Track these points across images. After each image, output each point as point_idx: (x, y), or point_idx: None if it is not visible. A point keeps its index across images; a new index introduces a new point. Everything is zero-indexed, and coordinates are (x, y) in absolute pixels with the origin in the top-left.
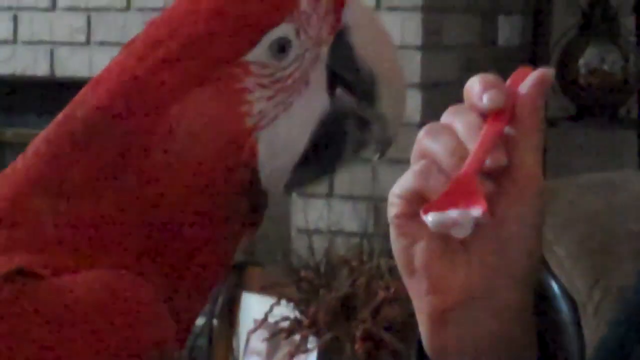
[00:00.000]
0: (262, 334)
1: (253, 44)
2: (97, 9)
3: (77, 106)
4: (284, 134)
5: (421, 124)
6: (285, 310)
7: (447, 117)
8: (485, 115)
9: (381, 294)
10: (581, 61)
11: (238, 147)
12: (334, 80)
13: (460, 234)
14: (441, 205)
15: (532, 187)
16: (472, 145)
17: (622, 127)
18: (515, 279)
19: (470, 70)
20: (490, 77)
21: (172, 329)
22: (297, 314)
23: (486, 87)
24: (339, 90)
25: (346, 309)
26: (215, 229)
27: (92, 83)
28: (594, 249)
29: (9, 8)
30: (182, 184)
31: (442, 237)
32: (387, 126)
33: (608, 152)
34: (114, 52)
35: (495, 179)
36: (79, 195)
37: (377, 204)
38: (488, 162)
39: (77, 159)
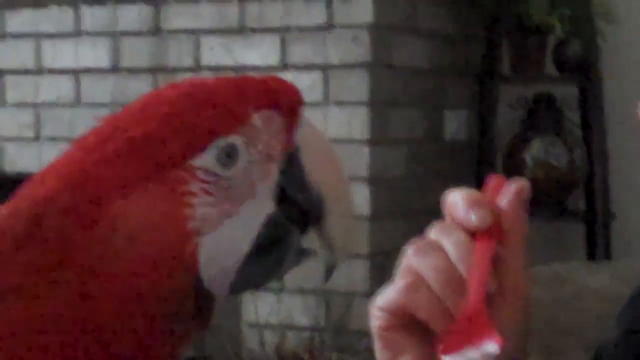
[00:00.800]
0: None
1: (201, 149)
2: (46, 105)
3: (22, 200)
4: (226, 240)
5: (371, 217)
6: None
7: (434, 235)
8: (479, 233)
9: None
10: (527, 155)
11: (179, 250)
12: (283, 197)
13: None
14: (457, 342)
15: (519, 303)
16: (462, 266)
17: (569, 219)
18: None
19: (417, 163)
20: (471, 193)
21: None
22: None
23: (471, 205)
24: (285, 209)
25: None
26: (157, 331)
27: (38, 175)
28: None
29: None
30: (122, 284)
31: (428, 351)
32: (334, 251)
33: (556, 244)
34: (63, 147)
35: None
36: (15, 298)
37: (328, 298)
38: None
39: (17, 259)
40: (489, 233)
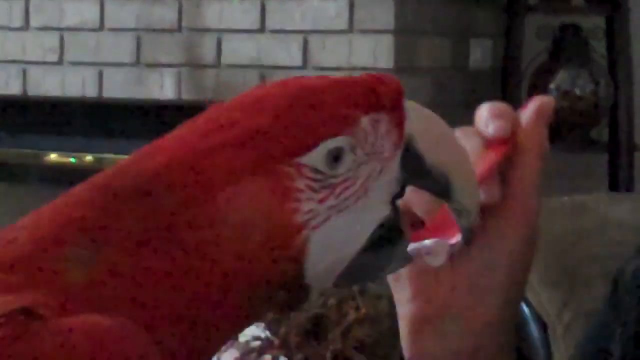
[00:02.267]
0: (233, 353)
1: (309, 148)
2: (70, 29)
3: (130, 164)
4: (337, 236)
5: None
6: (256, 330)
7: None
8: (489, 142)
9: (351, 315)
10: (552, 85)
11: (285, 240)
12: (410, 180)
13: (435, 262)
14: (425, 234)
15: (526, 219)
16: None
17: (593, 150)
18: (498, 300)
19: (442, 92)
20: (499, 105)
21: None
22: (267, 334)
23: (493, 116)
24: (398, 203)
25: (317, 329)
26: (247, 314)
27: (148, 148)
28: (563, 273)
29: None
30: (224, 264)
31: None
32: (469, 216)
33: (579, 175)
34: (86, 71)
35: (492, 207)
36: (119, 250)
37: None
38: (484, 191)
39: (124, 214)
40: (502, 144)
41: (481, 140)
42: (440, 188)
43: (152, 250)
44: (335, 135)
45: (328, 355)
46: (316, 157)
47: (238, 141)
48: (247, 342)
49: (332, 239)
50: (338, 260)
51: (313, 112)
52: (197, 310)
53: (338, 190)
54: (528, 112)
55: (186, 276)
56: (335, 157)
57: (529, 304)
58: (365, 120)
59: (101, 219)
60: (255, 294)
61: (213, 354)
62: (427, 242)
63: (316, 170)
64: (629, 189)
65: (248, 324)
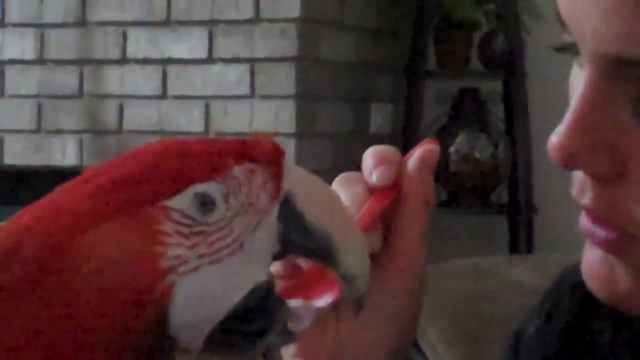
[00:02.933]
0: None
1: (176, 192)
2: None
3: (5, 229)
4: (207, 290)
5: None
6: None
7: (337, 185)
8: (373, 189)
9: None
10: (452, 148)
11: (148, 283)
12: (287, 246)
13: (298, 326)
14: (293, 291)
15: (411, 270)
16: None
17: (493, 212)
18: (385, 355)
19: (343, 156)
20: (385, 149)
21: None
22: None
23: (377, 162)
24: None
25: None
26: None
27: (23, 210)
28: (463, 334)
29: None
30: (89, 311)
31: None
32: (355, 282)
33: (479, 237)
34: None
35: (373, 256)
36: None
37: None
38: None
39: None
40: (387, 190)
41: (365, 187)
42: (324, 252)
43: (18, 311)
44: (204, 180)
45: None
46: (183, 200)
47: (102, 189)
48: None
49: (202, 289)
50: (207, 315)
51: (182, 159)
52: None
53: (210, 239)
54: (413, 158)
55: (52, 329)
56: (205, 202)
57: None
58: (237, 169)
59: None
60: (119, 339)
61: None
62: (291, 303)
63: (185, 215)
64: (529, 250)
65: None
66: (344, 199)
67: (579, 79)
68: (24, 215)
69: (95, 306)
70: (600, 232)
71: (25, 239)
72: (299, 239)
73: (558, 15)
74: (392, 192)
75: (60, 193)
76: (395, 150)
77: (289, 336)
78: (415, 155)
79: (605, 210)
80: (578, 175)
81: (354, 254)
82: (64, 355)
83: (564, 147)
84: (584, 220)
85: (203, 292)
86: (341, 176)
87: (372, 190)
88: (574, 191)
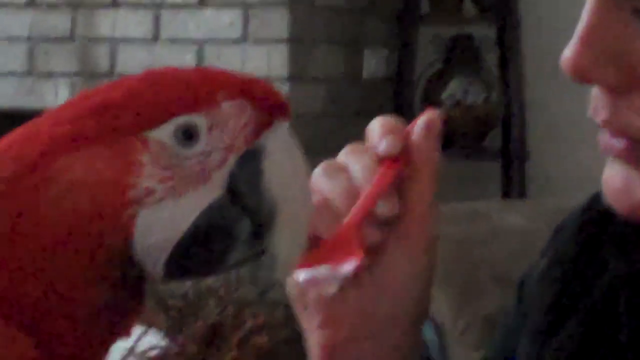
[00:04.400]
0: None
1: (160, 121)
2: None
3: None
4: (166, 216)
5: None
6: (154, 339)
7: (344, 156)
8: (382, 159)
9: (249, 322)
10: (445, 94)
11: (113, 212)
12: (233, 193)
13: (327, 291)
14: (316, 259)
15: (422, 236)
16: (365, 189)
17: (485, 158)
18: (405, 318)
19: (336, 101)
20: (390, 121)
21: None
22: (166, 342)
23: (385, 132)
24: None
25: (215, 338)
26: (82, 290)
27: (3, 137)
28: (457, 278)
29: None
30: (53, 231)
31: None
32: (275, 265)
33: (472, 182)
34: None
35: (389, 223)
36: None
37: None
38: (379, 210)
39: None
40: (395, 161)
41: (373, 157)
42: (261, 219)
43: None
44: (190, 112)
45: None
46: (165, 132)
47: (82, 114)
48: (145, 351)
49: (161, 218)
50: (165, 240)
51: (169, 87)
52: (38, 291)
53: (182, 173)
54: (419, 127)
55: (19, 251)
56: (188, 135)
57: None
58: (227, 104)
59: None
60: (87, 263)
61: (88, 356)
62: (317, 271)
63: (164, 148)
64: (521, 196)
65: (99, 311)
66: (353, 169)
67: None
68: (2, 141)
69: (60, 229)
70: (617, 143)
71: (2, 162)
72: (247, 193)
73: None
74: (400, 161)
75: (39, 118)
76: (399, 121)
77: (253, 249)
78: (419, 124)
79: (619, 121)
80: (595, 95)
81: (289, 240)
82: (32, 279)
83: (575, 61)
84: (603, 136)
85: (162, 220)
86: (348, 147)
87: (381, 160)
88: (591, 111)
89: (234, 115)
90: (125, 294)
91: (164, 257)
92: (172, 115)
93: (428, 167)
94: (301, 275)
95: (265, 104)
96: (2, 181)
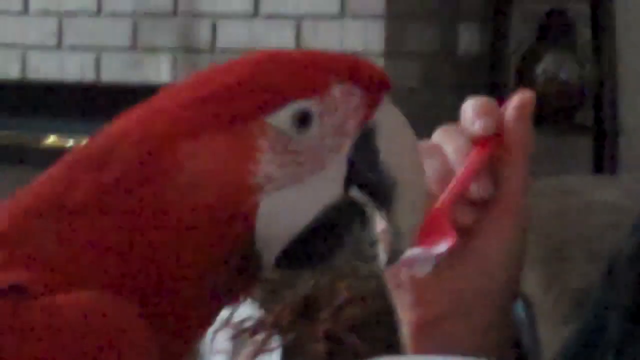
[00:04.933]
0: (227, 333)
1: (276, 108)
2: (69, 13)
3: (100, 135)
4: (289, 205)
5: None
6: (249, 310)
7: (438, 137)
8: (475, 140)
9: (343, 294)
10: (539, 69)
11: (237, 199)
12: (352, 176)
13: (421, 271)
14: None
15: (517, 212)
16: (459, 170)
17: (578, 133)
18: (499, 299)
19: (431, 77)
20: (484, 102)
21: (153, 356)
22: (260, 313)
23: (479, 113)
24: (354, 188)
25: (308, 309)
26: (206, 274)
27: (121, 116)
28: (548, 253)
29: None
30: (178, 218)
31: None
32: (399, 238)
33: (564, 158)
34: (84, 55)
35: (482, 205)
36: (82, 216)
37: None
38: (473, 191)
39: (86, 180)
40: (488, 142)
41: (467, 138)
42: (383, 195)
43: (110, 213)
44: (303, 97)
45: (319, 335)
46: (283, 117)
47: (203, 100)
48: (241, 321)
49: (284, 206)
50: (287, 230)
51: (284, 73)
52: (166, 272)
53: (299, 158)
54: (510, 109)
55: (147, 237)
56: (303, 120)
57: None
58: (338, 88)
59: (67, 191)
60: (215, 250)
61: (203, 326)
62: (414, 251)
63: (282, 133)
64: (613, 172)
65: (221, 292)
66: (447, 149)
67: None
68: (120, 123)
69: (189, 216)
70: None
71: (120, 145)
72: (366, 173)
73: None
74: (493, 142)
75: (158, 100)
76: (493, 102)
77: (394, 255)
78: (513, 105)
79: None
80: None
81: (410, 210)
82: (160, 264)
83: None
84: None
85: (284, 209)
86: (441, 129)
87: (475, 141)
88: None
89: (344, 99)
90: (240, 280)
91: (281, 244)
92: (289, 100)
93: (521, 149)
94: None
95: (372, 85)
96: (128, 166)
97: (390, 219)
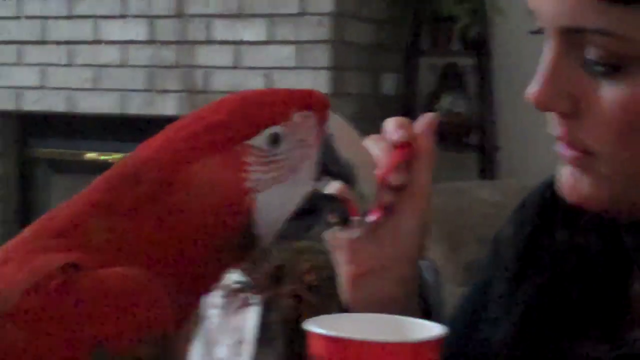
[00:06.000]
0: (219, 292)
1: (255, 133)
2: (102, 65)
3: (129, 158)
4: (276, 200)
5: None
6: (235, 276)
7: (369, 142)
8: (394, 145)
9: (304, 265)
10: (439, 106)
11: (238, 200)
12: (324, 170)
13: (353, 234)
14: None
15: (424, 199)
16: (382, 165)
17: (467, 150)
18: (409, 258)
19: (363, 111)
20: (401, 119)
21: (172, 315)
22: (245, 278)
23: (397, 126)
24: (324, 178)
25: (279, 275)
26: (215, 254)
27: (144, 144)
28: (446, 236)
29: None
30: (194, 220)
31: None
32: (365, 200)
33: (457, 169)
34: (114, 95)
35: (399, 190)
36: (122, 218)
37: None
38: (393, 179)
39: (125, 192)
40: (404, 146)
41: (388, 143)
42: (348, 177)
43: (145, 215)
44: (275, 124)
45: (287, 294)
46: (260, 140)
47: (203, 131)
48: (229, 284)
49: (273, 201)
50: (277, 218)
51: (258, 108)
52: (185, 254)
53: (277, 166)
54: (420, 124)
55: (172, 230)
56: (275, 140)
57: (426, 257)
58: (297, 115)
59: (111, 198)
60: (223, 237)
61: (208, 288)
62: (354, 219)
63: (261, 150)
64: (492, 178)
65: (224, 264)
66: (375, 150)
67: (545, 50)
68: (144, 149)
69: (202, 214)
70: (569, 153)
71: (147, 166)
72: (333, 167)
73: (528, 8)
74: (407, 147)
75: (170, 132)
76: (407, 119)
77: (331, 224)
78: (422, 121)
79: (571, 138)
80: (552, 117)
81: (367, 181)
82: (181, 247)
83: (537, 96)
84: (559, 146)
85: (275, 202)
86: (371, 136)
87: (394, 146)
88: (550, 127)
89: (303, 122)
90: (242, 253)
91: (276, 228)
92: (263, 127)
93: (427, 152)
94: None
95: (320, 108)
96: (155, 182)
97: (355, 190)
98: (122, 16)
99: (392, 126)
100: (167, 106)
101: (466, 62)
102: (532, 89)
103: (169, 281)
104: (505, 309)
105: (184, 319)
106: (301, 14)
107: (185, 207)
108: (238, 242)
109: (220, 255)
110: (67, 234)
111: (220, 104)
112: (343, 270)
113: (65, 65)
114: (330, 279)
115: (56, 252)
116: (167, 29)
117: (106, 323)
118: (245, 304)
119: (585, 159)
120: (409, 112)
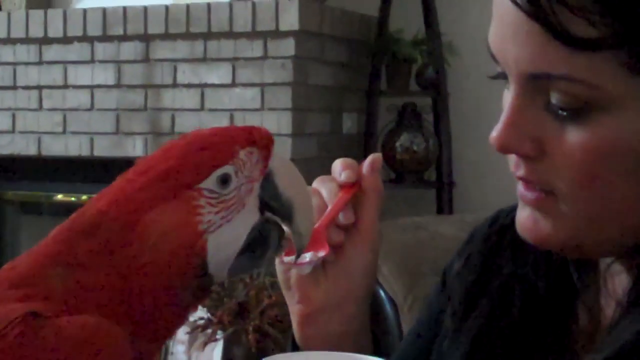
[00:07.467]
0: (185, 329)
1: (205, 176)
2: (70, 109)
3: (86, 209)
4: (226, 237)
5: None
6: (200, 313)
7: (316, 184)
8: (342, 185)
9: (266, 301)
10: (397, 143)
11: (192, 243)
12: (264, 206)
13: (304, 271)
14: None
15: (371, 236)
16: (330, 205)
17: (425, 186)
18: (358, 296)
19: (324, 150)
20: (347, 160)
21: (128, 354)
22: (209, 315)
23: (343, 167)
24: (267, 213)
25: (242, 311)
26: (173, 298)
27: (98, 195)
28: (406, 270)
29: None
30: (152, 267)
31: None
32: (301, 238)
33: (416, 204)
34: (82, 138)
35: (347, 229)
36: (81, 268)
37: None
38: (341, 219)
39: (82, 243)
40: (351, 187)
41: (336, 184)
42: (287, 214)
43: (102, 266)
44: (222, 165)
45: (250, 329)
46: (210, 182)
47: (154, 179)
48: (195, 321)
49: (223, 240)
50: (228, 255)
51: (205, 151)
52: (145, 301)
53: (227, 205)
54: (366, 165)
55: (130, 279)
56: (224, 180)
57: (384, 290)
58: (243, 152)
59: (68, 250)
60: (180, 281)
61: (170, 333)
62: (305, 255)
63: (212, 192)
64: (450, 213)
65: (182, 307)
66: (322, 191)
67: (507, 95)
68: (101, 199)
69: (159, 261)
70: (530, 195)
71: (103, 218)
72: (272, 202)
73: (490, 53)
74: (354, 187)
75: (123, 182)
76: (353, 160)
77: (280, 250)
78: (367, 162)
79: (532, 179)
80: (513, 157)
81: (304, 219)
82: (139, 294)
83: (500, 140)
84: (520, 187)
85: (225, 240)
86: (319, 178)
87: (341, 186)
88: (512, 168)
89: (248, 158)
90: (199, 294)
91: (228, 265)
92: (212, 170)
93: (374, 192)
94: (287, 259)
95: (264, 144)
96: (111, 233)
97: (293, 228)
98: (91, 61)
99: (339, 167)
100: (135, 148)
101: (423, 101)
102: (496, 132)
103: (129, 328)
104: (453, 342)
105: None
106: (264, 57)
107: (141, 256)
108: (195, 284)
109: (178, 300)
110: (27, 284)
111: (169, 150)
112: (294, 309)
113: (34, 110)
114: None
115: (16, 302)
116: (134, 74)
117: None
118: (210, 340)
119: (546, 200)
120: (369, 150)
